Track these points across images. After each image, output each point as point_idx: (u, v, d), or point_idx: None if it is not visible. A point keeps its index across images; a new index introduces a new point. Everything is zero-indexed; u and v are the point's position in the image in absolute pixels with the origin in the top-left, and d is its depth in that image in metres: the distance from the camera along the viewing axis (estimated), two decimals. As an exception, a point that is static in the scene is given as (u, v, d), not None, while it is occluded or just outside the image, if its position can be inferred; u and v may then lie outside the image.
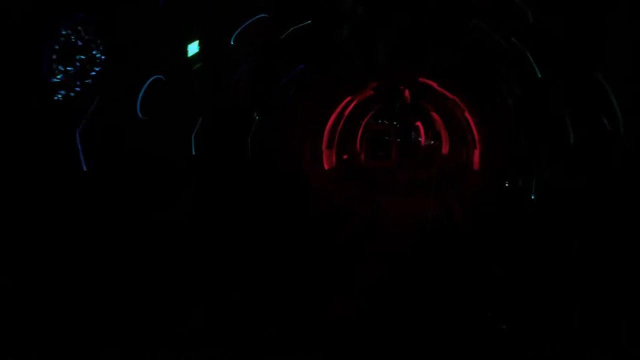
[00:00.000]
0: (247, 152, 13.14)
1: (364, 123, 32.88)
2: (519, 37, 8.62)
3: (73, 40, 6.44)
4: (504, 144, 14.58)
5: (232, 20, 10.06)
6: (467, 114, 21.19)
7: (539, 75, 8.57)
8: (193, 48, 11.50)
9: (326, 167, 22.23)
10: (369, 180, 22.84)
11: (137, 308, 6.36)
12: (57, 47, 6.36)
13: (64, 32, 6.37)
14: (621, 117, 7.25)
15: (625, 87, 7.11)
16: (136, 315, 6.20)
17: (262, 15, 10.18)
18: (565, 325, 6.17)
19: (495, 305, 7.15)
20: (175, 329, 6.15)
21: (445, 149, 31.97)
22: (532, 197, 11.30)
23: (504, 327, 6.44)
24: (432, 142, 41.52)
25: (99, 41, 6.59)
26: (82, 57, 6.46)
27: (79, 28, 6.39)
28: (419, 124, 47.12)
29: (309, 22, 11.55)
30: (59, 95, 6.60)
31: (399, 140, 51.73)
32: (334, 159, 23.73)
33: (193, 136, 10.29)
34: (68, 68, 6.33)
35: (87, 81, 6.65)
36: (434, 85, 22.25)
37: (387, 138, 26.23)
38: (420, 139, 50.06)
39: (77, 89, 6.56)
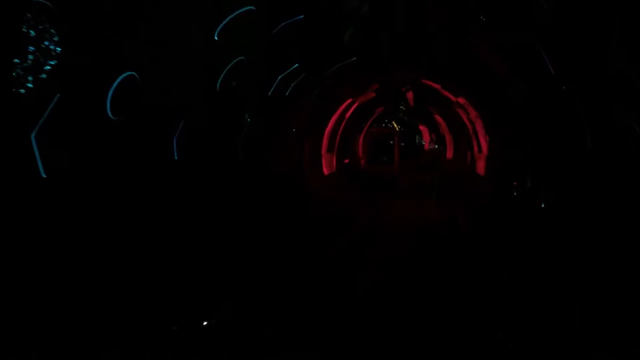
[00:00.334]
0: (239, 155, 12.34)
1: (366, 126, 32.10)
2: (530, 30, 7.78)
3: (24, 30, 5.67)
4: (511, 149, 13.74)
5: (218, 13, 9.29)
6: (472, 117, 20.41)
7: (552, 72, 7.74)
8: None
9: (326, 171, 21.41)
10: (370, 185, 21.92)
11: None
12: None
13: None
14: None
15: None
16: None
17: (250, 7, 9.39)
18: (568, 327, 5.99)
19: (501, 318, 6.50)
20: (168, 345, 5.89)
21: (449, 154, 31.19)
22: (543, 205, 10.46)
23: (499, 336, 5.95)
24: (437, 147, 40.76)
25: (53, 31, 5.81)
26: (34, 49, 5.68)
27: (30, 16, 5.62)
28: (422, 127, 46.41)
29: (302, 17, 10.76)
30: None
31: (402, 144, 51.09)
32: (334, 163, 22.92)
33: (175, 139, 9.50)
34: (16, 61, 5.55)
35: (41, 76, 5.87)
36: (438, 87, 21.50)
37: (390, 142, 25.20)
38: (424, 143, 49.32)
39: (30, 85, 5.77)
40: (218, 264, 8.47)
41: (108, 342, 5.61)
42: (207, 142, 10.72)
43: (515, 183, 13.11)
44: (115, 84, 7.49)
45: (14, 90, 5.65)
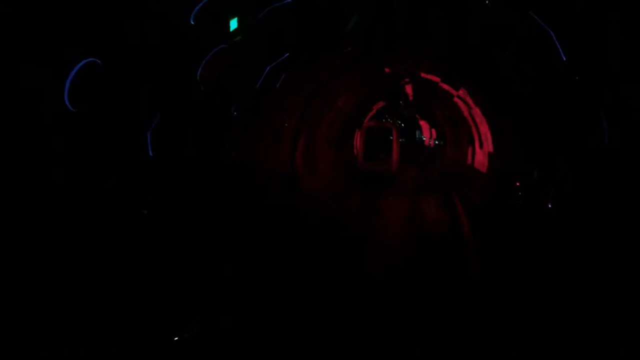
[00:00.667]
0: (224, 151, 11.51)
1: (366, 120, 31.26)
2: (540, 10, 6.93)
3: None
4: (515, 145, 12.92)
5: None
6: (473, 112, 19.60)
7: (564, 58, 6.91)
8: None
9: (321, 168, 20.57)
10: (369, 183, 20.99)
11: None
12: None
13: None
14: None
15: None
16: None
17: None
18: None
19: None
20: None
21: (450, 150, 30.44)
22: (549, 206, 9.64)
23: None
24: (437, 142, 40.01)
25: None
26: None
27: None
28: (423, 123, 45.62)
29: (290, 0, 9.92)
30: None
31: (402, 140, 50.29)
32: (330, 159, 22.10)
33: (149, 134, 8.67)
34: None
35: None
36: (438, 80, 20.71)
37: (390, 138, 24.18)
38: (424, 139, 48.53)
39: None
40: (190, 279, 7.70)
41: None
42: (188, 137, 9.90)
43: (517, 183, 12.29)
44: (74, 72, 6.65)
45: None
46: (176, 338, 6.33)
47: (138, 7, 7.63)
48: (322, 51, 14.45)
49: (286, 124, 16.33)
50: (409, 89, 26.03)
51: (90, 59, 6.89)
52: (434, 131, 40.98)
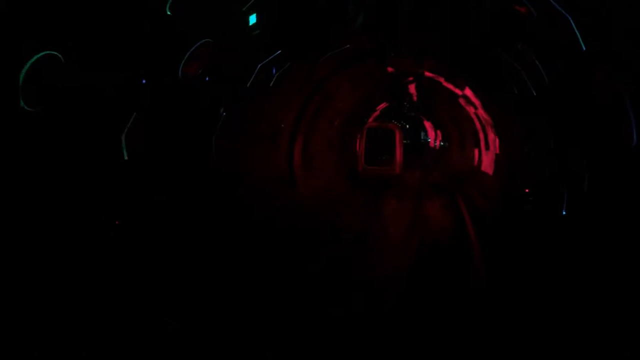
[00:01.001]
0: (211, 156, 10.74)
1: (369, 121, 30.42)
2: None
3: None
4: (525, 146, 12.10)
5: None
6: (479, 112, 18.79)
7: (584, 48, 6.08)
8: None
9: (321, 172, 19.75)
10: (370, 186, 20.06)
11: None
12: None
13: None
14: None
15: None
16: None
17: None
18: None
19: None
20: None
21: (456, 152, 29.63)
22: (564, 212, 8.81)
23: None
24: (442, 144, 39.19)
25: None
26: None
27: None
28: (428, 124, 44.79)
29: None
30: None
31: (407, 141, 49.49)
32: (330, 162, 21.27)
33: (124, 136, 7.90)
34: None
35: None
36: (441, 80, 19.92)
37: (393, 139, 23.20)
38: (429, 140, 47.70)
39: None
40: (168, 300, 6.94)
41: None
42: (169, 139, 9.12)
43: (528, 185, 11.46)
44: (27, 65, 5.90)
45: None
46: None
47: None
48: (320, 48, 13.72)
49: (282, 125, 15.55)
50: (412, 88, 25.24)
51: (49, 52, 6.13)
52: (439, 132, 40.13)
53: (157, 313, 6.58)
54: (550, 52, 7.80)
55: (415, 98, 29.06)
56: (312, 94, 16.86)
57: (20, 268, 5.72)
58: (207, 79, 9.51)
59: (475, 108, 19.06)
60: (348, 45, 13.99)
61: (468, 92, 18.12)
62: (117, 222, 7.44)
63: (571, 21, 5.95)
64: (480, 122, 19.37)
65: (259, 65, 11.37)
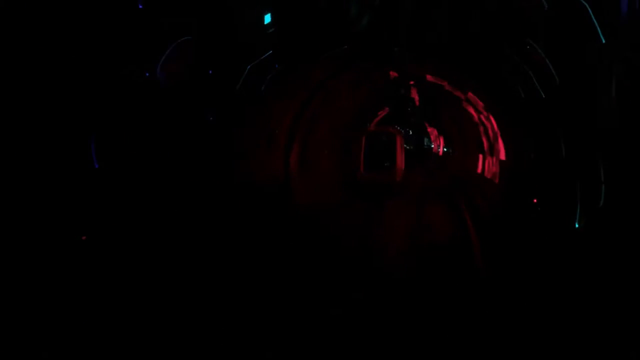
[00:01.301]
0: (199, 164, 10.02)
1: (372, 125, 29.64)
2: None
3: None
4: (532, 151, 11.35)
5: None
6: (483, 117, 18.06)
7: (603, 40, 5.34)
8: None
9: (318, 178, 19.01)
10: (369, 195, 19.07)
11: None
12: None
13: None
14: None
15: None
16: None
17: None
18: None
19: None
20: None
21: (459, 157, 28.91)
22: (577, 225, 8.05)
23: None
24: (446, 150, 38.49)
25: None
26: None
27: None
28: (431, 130, 44.09)
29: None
30: None
31: (410, 147, 48.76)
32: (329, 169, 20.52)
33: (93, 141, 7.18)
34: None
35: None
36: (445, 84, 19.23)
37: (394, 144, 21.82)
38: (432, 146, 46.99)
39: None
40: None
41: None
42: (149, 146, 8.41)
43: (536, 194, 10.69)
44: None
45: None
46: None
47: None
48: (317, 50, 13.01)
49: (277, 131, 14.83)
50: (414, 92, 24.54)
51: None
52: (442, 138, 39.42)
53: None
54: (562, 48, 7.06)
55: (417, 102, 28.36)
56: (310, 98, 16.16)
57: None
58: (188, 80, 8.80)
59: (479, 112, 18.35)
60: (347, 47, 13.30)
61: (471, 95, 17.42)
62: (83, 238, 6.71)
63: (589, 10, 5.23)
64: (484, 127, 18.64)
65: (249, 67, 10.67)
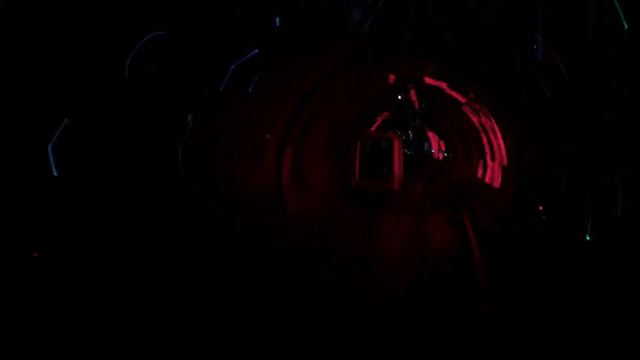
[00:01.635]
0: (177, 168, 9.30)
1: (371, 130, 28.87)
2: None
3: None
4: (537, 155, 10.62)
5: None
6: (484, 119, 17.35)
7: (625, 26, 4.61)
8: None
9: (312, 185, 18.24)
10: (365, 204, 17.74)
11: None
12: None
13: None
14: None
15: None
16: None
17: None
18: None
19: None
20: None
21: (460, 163, 28.22)
22: (587, 237, 7.31)
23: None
24: (446, 155, 37.82)
25: None
26: None
27: None
28: (431, 134, 43.40)
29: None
30: None
31: (410, 152, 48.06)
32: (324, 177, 19.73)
33: (51, 145, 6.46)
34: None
35: None
36: (444, 86, 18.52)
37: (391, 149, 20.23)
38: (432, 151, 46.30)
39: None
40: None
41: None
42: (115, 152, 7.67)
43: (541, 202, 9.95)
44: None
45: None
46: None
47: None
48: (311, 51, 12.29)
49: (268, 136, 14.09)
50: (413, 95, 23.82)
51: None
52: (442, 143, 38.72)
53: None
54: (573, 39, 6.32)
55: (417, 106, 27.68)
56: (303, 101, 15.41)
57: None
58: (162, 79, 8.07)
59: (480, 116, 17.65)
60: (342, 47, 12.58)
61: (472, 98, 16.72)
62: (34, 255, 5.97)
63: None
64: (485, 131, 17.93)
65: (233, 66, 9.95)
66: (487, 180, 18.73)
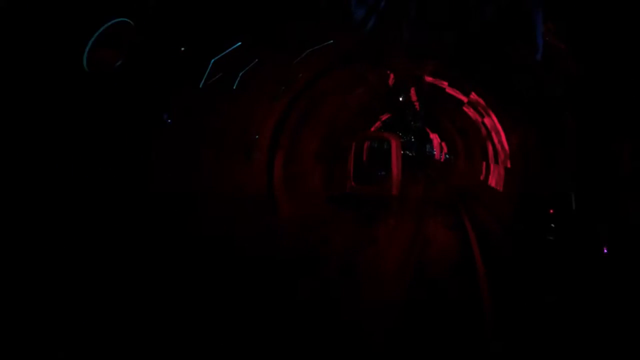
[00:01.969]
0: (150, 171, 8.51)
1: (371, 130, 28.12)
2: None
3: None
4: (544, 157, 9.82)
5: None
6: (487, 120, 16.57)
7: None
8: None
9: (305, 189, 17.41)
10: (361, 210, 16.38)
11: None
12: None
13: None
14: None
15: None
16: None
17: None
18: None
19: None
20: None
21: (462, 165, 27.47)
22: (605, 250, 6.48)
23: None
24: (448, 156, 37.05)
25: None
26: None
27: None
28: (433, 136, 42.62)
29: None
30: None
31: (412, 154, 47.28)
32: (317, 179, 18.88)
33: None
34: None
35: None
36: (445, 85, 17.76)
37: (389, 151, 18.78)
38: (434, 153, 45.51)
39: None
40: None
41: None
42: (74, 155, 6.88)
43: (551, 210, 9.11)
44: None
45: None
46: None
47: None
48: (302, 44, 11.49)
49: (257, 137, 13.29)
50: (414, 96, 23.07)
51: None
52: (444, 144, 37.96)
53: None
54: (588, 26, 5.49)
55: (417, 107, 26.94)
56: (295, 99, 14.60)
57: None
58: (129, 73, 7.26)
59: (482, 116, 16.86)
60: (334, 41, 11.76)
61: (474, 97, 15.94)
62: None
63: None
64: (488, 131, 17.14)
65: (213, 60, 9.13)
66: (490, 183, 17.94)
